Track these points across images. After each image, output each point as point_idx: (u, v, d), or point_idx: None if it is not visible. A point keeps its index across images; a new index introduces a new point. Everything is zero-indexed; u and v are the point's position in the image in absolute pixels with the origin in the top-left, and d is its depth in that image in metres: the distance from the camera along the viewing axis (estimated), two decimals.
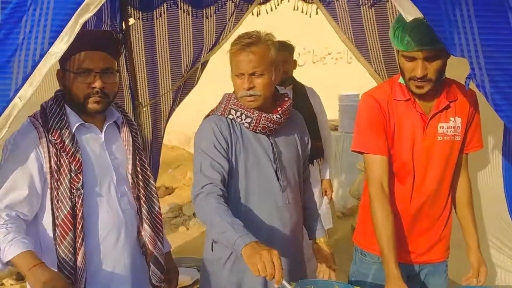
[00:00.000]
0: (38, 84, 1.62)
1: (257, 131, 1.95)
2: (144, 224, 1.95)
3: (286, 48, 3.37)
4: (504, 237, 2.41)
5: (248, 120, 1.93)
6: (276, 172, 1.97)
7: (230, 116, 1.95)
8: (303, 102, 3.38)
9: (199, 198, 1.81)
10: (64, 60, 1.80)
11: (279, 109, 1.99)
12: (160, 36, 3.57)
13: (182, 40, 3.55)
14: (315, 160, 3.46)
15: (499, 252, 2.48)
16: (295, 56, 3.62)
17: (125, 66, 3.60)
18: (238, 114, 1.93)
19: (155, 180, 3.93)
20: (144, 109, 3.73)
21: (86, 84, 1.81)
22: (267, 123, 1.94)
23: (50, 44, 1.60)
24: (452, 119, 1.95)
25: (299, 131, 2.14)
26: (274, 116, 1.95)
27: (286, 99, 2.06)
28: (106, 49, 1.85)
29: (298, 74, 3.64)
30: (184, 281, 3.21)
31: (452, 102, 1.96)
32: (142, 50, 3.63)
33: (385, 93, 2.00)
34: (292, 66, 3.46)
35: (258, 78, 1.88)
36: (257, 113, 1.93)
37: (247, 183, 1.94)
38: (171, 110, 3.75)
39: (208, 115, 2.01)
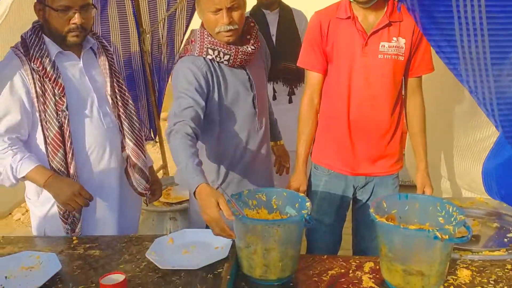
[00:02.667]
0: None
1: (235, 66, 2.03)
2: (127, 139, 2.17)
3: None
4: None
5: (227, 57, 1.98)
6: (253, 100, 2.09)
7: (209, 57, 1.98)
8: (288, 26, 3.35)
9: (169, 136, 1.81)
10: None
11: (248, 37, 2.06)
12: None
13: None
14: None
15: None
16: None
17: None
18: (216, 53, 1.97)
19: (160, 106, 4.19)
20: (148, 35, 3.88)
21: (66, 20, 1.97)
22: (244, 57, 2.01)
23: None
24: (394, 38, 2.02)
25: (262, 51, 2.21)
26: (249, 49, 2.01)
27: (252, 24, 2.12)
28: None
29: None
30: (184, 195, 3.50)
31: (395, 22, 2.02)
32: None
33: (330, 12, 2.11)
34: None
35: (235, 11, 1.92)
36: (233, 48, 1.97)
37: (229, 115, 2.06)
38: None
39: (181, 56, 2.03)
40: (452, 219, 1.64)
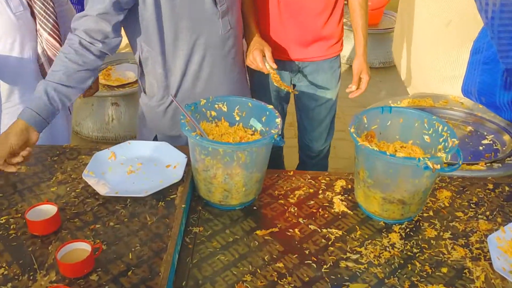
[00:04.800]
0: None
1: None
2: (40, 28, 1.74)
3: None
4: None
5: None
6: None
7: None
8: None
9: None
10: None
11: None
12: None
13: None
14: None
15: None
16: None
17: None
18: None
19: None
20: None
21: None
22: None
23: None
24: None
25: None
26: None
27: None
28: None
29: None
30: (126, 77, 3.12)
31: None
32: None
33: None
34: None
35: None
36: None
37: (177, 19, 1.61)
38: None
39: None
40: (441, 140, 1.43)
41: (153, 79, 1.75)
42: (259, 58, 1.79)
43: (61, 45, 1.78)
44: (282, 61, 2.02)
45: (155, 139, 1.85)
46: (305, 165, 2.43)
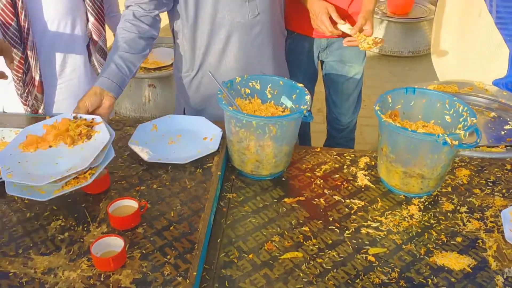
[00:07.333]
0: None
1: None
2: (88, 14, 1.89)
3: None
4: None
5: None
6: None
7: None
8: None
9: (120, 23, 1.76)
10: None
11: None
12: None
13: None
14: None
15: None
16: None
17: None
18: None
19: None
20: None
21: None
22: None
23: None
24: None
25: None
26: None
27: None
28: None
29: None
30: (162, 60, 3.28)
31: None
32: None
33: None
34: None
35: None
36: None
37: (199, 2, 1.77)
38: None
39: None
40: (461, 119, 1.53)
41: (181, 51, 1.92)
42: (328, 22, 1.96)
43: (104, 29, 1.95)
44: (311, 37, 2.19)
45: (184, 111, 2.03)
46: (333, 139, 2.54)
